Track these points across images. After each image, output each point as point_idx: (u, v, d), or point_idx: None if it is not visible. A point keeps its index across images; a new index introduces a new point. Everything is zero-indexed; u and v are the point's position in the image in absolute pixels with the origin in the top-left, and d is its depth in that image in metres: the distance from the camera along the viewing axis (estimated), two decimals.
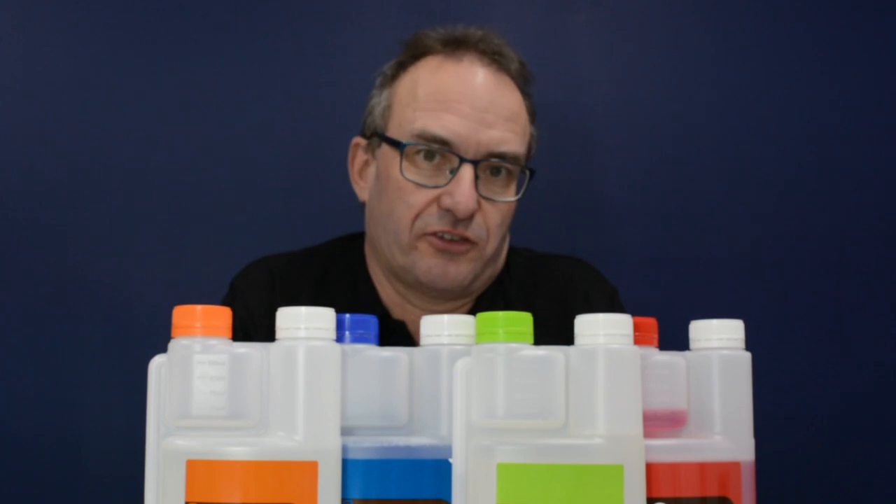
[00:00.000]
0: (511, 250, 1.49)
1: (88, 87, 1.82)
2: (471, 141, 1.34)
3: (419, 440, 0.85)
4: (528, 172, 1.40)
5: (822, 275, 1.84)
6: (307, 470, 0.80)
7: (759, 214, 1.86)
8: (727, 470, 0.87)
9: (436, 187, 1.34)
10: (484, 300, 1.44)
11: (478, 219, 1.35)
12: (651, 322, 0.91)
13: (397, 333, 1.40)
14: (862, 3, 1.91)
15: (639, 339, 0.86)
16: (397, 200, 1.36)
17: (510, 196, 1.39)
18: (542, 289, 1.47)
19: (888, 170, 1.88)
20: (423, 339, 0.88)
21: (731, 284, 1.83)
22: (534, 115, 1.44)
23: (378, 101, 1.43)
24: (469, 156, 1.34)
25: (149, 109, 1.82)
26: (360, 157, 1.46)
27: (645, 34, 1.89)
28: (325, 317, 0.83)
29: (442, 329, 0.88)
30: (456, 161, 1.34)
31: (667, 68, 1.88)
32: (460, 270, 1.36)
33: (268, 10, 1.86)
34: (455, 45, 1.40)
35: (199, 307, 0.83)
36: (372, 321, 0.88)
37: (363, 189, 1.46)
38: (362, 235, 1.48)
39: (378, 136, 1.41)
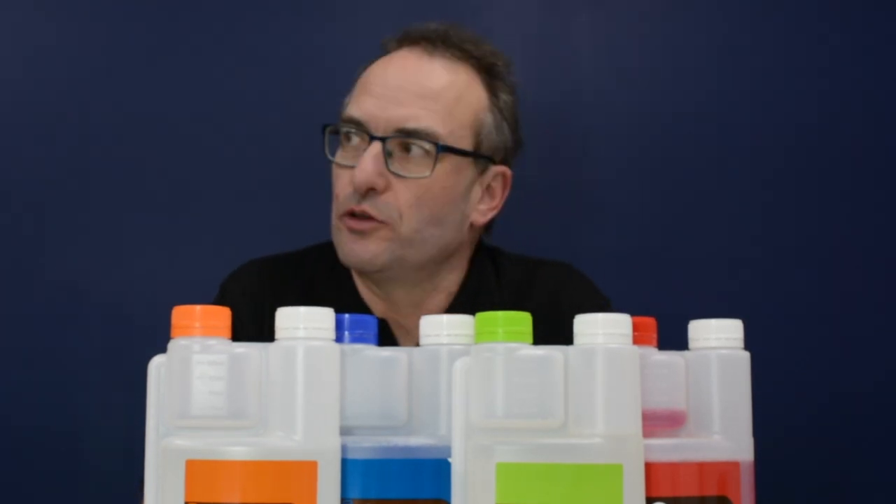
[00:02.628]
0: (500, 255, 1.50)
1: (87, 90, 1.82)
2: (380, 119, 1.36)
3: (418, 440, 0.85)
4: (439, 150, 1.36)
5: (822, 274, 1.84)
6: (306, 470, 0.80)
7: (758, 214, 1.86)
8: (726, 469, 0.87)
9: (351, 167, 1.37)
10: (461, 303, 1.42)
11: (387, 197, 1.35)
12: (650, 322, 0.91)
13: (381, 334, 1.39)
14: (861, 9, 1.90)
15: (638, 339, 0.85)
16: (333, 185, 1.40)
17: (421, 173, 1.36)
18: (532, 298, 1.46)
19: (887, 168, 1.87)
20: (423, 339, 0.89)
21: (730, 284, 1.83)
22: (502, 111, 1.42)
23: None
24: (378, 133, 1.35)
25: (146, 110, 1.82)
26: None
27: (645, 35, 1.89)
28: (324, 317, 0.83)
29: (441, 329, 0.88)
30: (368, 140, 1.36)
31: (666, 68, 1.89)
32: (368, 249, 1.35)
33: (268, 10, 1.85)
34: (401, 39, 1.43)
35: (198, 307, 0.83)
36: (371, 321, 0.89)
37: None
38: None
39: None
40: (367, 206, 1.34)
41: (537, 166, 1.83)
